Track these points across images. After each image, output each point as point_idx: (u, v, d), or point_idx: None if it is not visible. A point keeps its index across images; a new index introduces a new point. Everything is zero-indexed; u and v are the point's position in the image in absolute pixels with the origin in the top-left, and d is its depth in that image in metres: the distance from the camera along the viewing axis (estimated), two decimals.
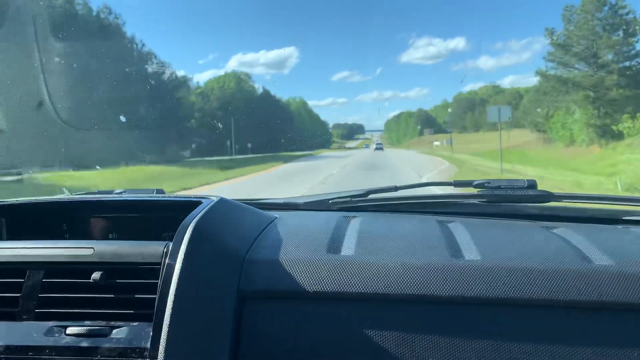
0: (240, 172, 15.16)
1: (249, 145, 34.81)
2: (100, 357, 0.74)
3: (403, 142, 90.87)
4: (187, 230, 0.81)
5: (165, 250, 0.80)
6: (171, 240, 0.81)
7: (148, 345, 0.72)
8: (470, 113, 70.35)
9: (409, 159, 22.85)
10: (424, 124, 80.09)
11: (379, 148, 48.99)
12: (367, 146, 68.55)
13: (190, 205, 0.93)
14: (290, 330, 0.78)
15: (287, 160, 27.40)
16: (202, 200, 0.97)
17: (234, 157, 30.97)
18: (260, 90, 52.86)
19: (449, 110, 75.81)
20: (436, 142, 43.54)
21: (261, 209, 1.13)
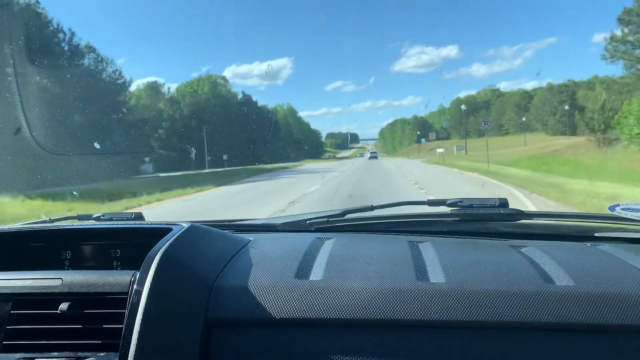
0: (157, 197, 12.23)
1: (225, 157, 31.43)
2: None
3: (399, 150, 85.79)
4: (154, 259, 0.82)
5: (132, 279, 0.81)
6: (139, 269, 0.81)
7: None
8: (472, 118, 64.76)
9: (420, 174, 16.68)
10: (421, 131, 74.34)
11: (374, 157, 49.36)
12: (362, 155, 67.78)
13: (162, 232, 0.95)
14: (256, 358, 0.78)
15: (250, 175, 21.08)
16: (173, 227, 0.98)
17: (200, 171, 27.55)
18: (240, 96, 45.72)
19: (447, 117, 70.44)
20: (439, 149, 37.38)
21: (238, 230, 1.20)
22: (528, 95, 57.27)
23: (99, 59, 26.63)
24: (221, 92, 46.21)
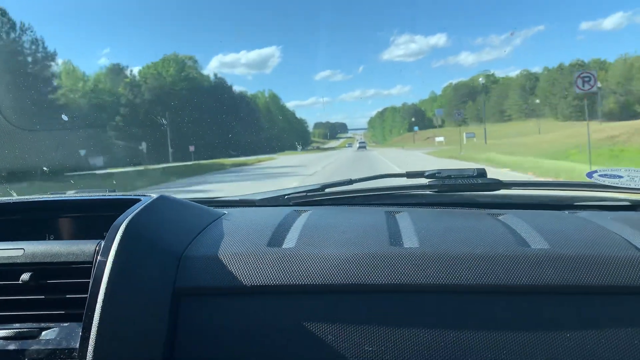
0: None
1: (191, 148, 26.78)
2: (28, 359, 0.74)
3: (389, 139, 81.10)
4: (120, 228, 0.81)
5: (97, 248, 0.81)
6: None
7: (77, 346, 0.73)
8: (470, 103, 59.80)
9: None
10: (413, 119, 69.37)
11: (362, 147, 49.64)
12: (350, 145, 66.53)
13: (130, 203, 0.94)
14: (227, 326, 0.79)
15: (186, 175, 15.64)
16: (142, 197, 0.98)
17: (157, 166, 23.26)
18: (212, 79, 39.90)
19: (438, 105, 65.66)
20: (438, 137, 32.21)
21: (214, 206, 1.17)
22: (534, 77, 52.35)
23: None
24: (190, 74, 40.27)
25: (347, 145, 65.52)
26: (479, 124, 53.46)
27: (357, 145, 54.38)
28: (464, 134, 39.03)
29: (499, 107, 56.41)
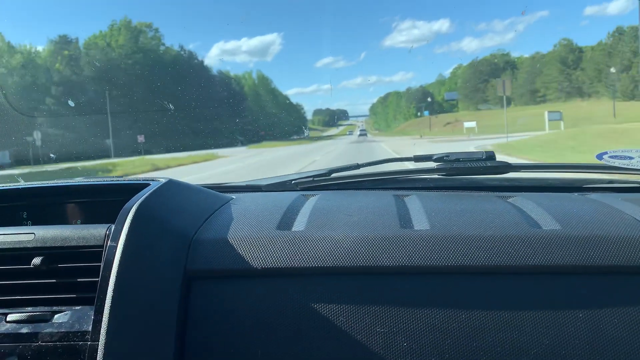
0: None
1: (140, 139, 20.13)
2: (41, 342, 0.77)
3: (393, 126, 73.16)
4: (130, 212, 0.85)
5: (107, 232, 0.86)
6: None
7: (90, 329, 0.76)
8: (493, 81, 51.01)
9: None
10: (420, 103, 60.98)
11: (363, 134, 49.83)
12: (351, 133, 63.64)
13: (139, 187, 1.00)
14: (238, 309, 0.84)
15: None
16: (151, 182, 1.04)
17: (86, 163, 16.31)
18: (177, 51, 30.78)
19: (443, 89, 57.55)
20: (468, 123, 23.39)
21: (222, 192, 1.24)
22: (577, 49, 43.69)
23: None
24: (146, 46, 30.89)
25: (347, 133, 62.96)
26: (495, 107, 45.23)
27: (358, 133, 53.02)
28: (546, 113, 28.72)
29: (529, 87, 47.74)
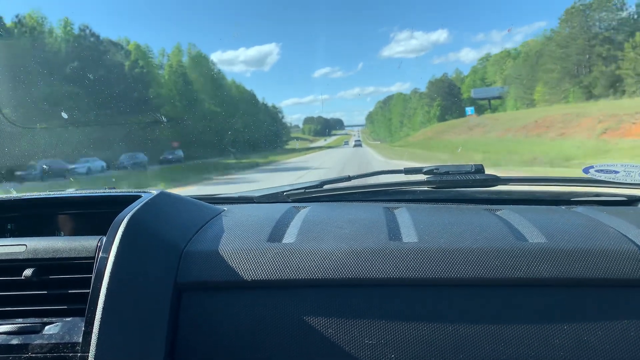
0: None
1: None
2: (31, 353, 0.78)
3: (397, 135, 56.64)
4: (122, 224, 0.86)
5: (98, 244, 0.86)
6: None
7: (80, 340, 0.77)
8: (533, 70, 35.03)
9: None
10: (448, 99, 44.93)
11: (358, 145, 49.14)
12: (347, 143, 61.35)
13: (131, 199, 1.00)
14: (228, 321, 0.85)
15: None
16: (142, 194, 1.04)
17: None
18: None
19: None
20: None
21: (213, 203, 1.25)
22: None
23: None
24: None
25: (343, 144, 60.77)
26: (564, 101, 29.55)
27: (353, 143, 52.48)
28: None
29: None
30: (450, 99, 47.19)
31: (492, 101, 43.60)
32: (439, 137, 37.55)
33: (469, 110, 39.85)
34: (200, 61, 33.46)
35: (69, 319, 0.81)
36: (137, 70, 24.78)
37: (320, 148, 49.57)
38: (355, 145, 47.87)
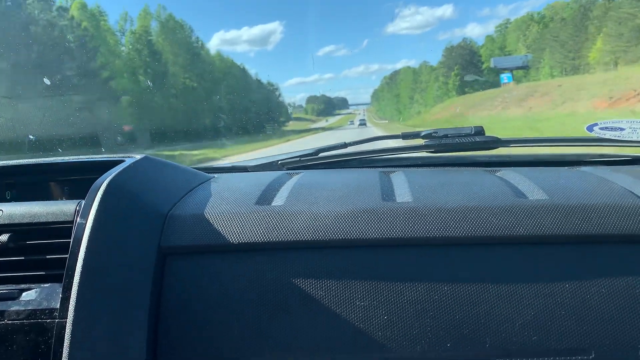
0: None
1: None
2: (7, 320, 0.76)
3: (408, 114, 51.46)
4: (100, 188, 0.84)
5: (77, 208, 0.84)
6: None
7: (58, 306, 0.75)
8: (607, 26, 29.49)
9: None
10: (467, 69, 39.58)
11: (362, 124, 47.93)
12: (352, 122, 57.73)
13: (115, 164, 0.97)
14: (214, 285, 0.83)
15: None
16: (126, 159, 1.02)
17: None
18: None
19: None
20: None
21: (207, 173, 1.23)
22: None
23: None
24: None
25: (349, 123, 59.45)
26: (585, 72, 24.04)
27: (358, 123, 51.62)
28: None
29: None
30: (470, 69, 41.39)
31: (514, 72, 38.20)
32: (471, 114, 30.38)
33: (505, 77, 32.77)
34: (173, 27, 28.27)
35: (47, 285, 0.79)
36: (78, 34, 20.38)
37: (323, 129, 45.31)
38: (359, 125, 47.86)
